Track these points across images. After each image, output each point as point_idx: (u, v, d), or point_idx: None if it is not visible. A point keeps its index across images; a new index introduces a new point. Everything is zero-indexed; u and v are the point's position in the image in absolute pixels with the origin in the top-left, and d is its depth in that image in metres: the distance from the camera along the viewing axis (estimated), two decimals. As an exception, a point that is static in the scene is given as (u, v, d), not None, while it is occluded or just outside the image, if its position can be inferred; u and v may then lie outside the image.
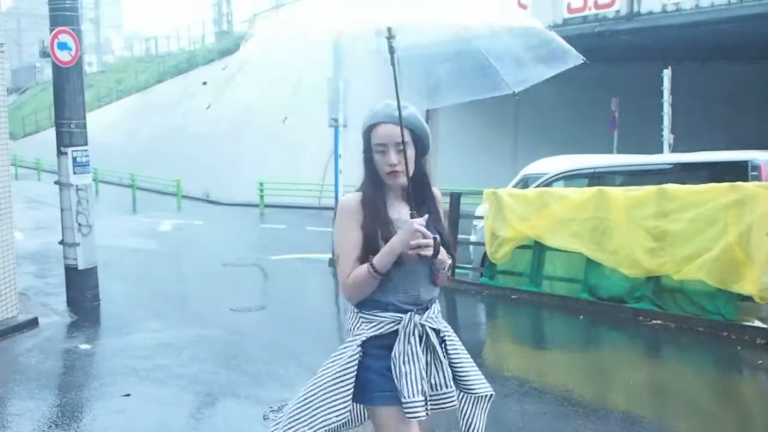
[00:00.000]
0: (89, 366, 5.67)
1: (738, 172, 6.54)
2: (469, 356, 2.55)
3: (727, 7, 12.46)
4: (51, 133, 8.26)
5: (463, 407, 2.53)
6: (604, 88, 16.32)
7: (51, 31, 7.23)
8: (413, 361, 2.35)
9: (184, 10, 76.68)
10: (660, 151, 10.58)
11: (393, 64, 2.46)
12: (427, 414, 2.36)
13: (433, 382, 2.41)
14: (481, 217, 8.46)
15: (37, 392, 4.96)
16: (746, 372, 5.63)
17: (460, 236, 8.75)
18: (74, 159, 7.36)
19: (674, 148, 10.58)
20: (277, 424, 2.47)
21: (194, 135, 24.86)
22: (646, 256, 6.57)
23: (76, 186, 7.39)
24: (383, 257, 2.30)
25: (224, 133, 23.22)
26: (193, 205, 21.23)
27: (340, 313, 7.35)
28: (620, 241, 6.79)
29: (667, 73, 10.81)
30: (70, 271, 7.49)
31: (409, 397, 2.32)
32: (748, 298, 6.07)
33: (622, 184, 7.58)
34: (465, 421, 2.53)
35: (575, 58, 3.05)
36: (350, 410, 2.38)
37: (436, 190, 2.54)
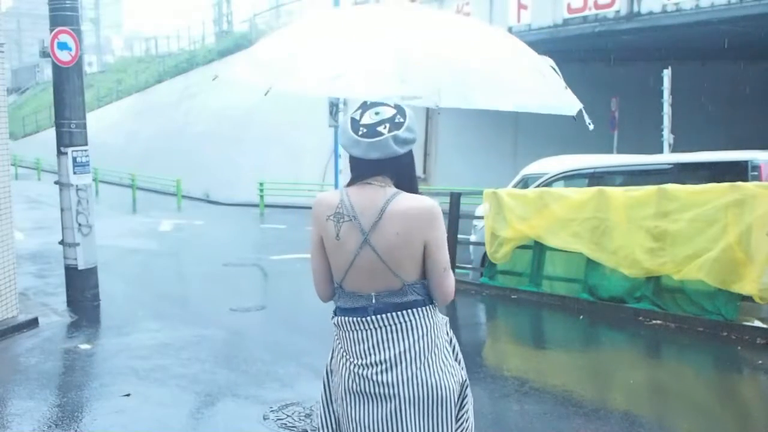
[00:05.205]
0: (89, 366, 5.67)
1: (738, 172, 6.53)
2: None
3: (727, 7, 12.45)
4: (51, 133, 8.26)
5: None
6: (604, 88, 16.31)
7: (51, 31, 7.22)
8: None
9: (184, 10, 76.57)
10: (660, 151, 10.57)
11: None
12: None
13: None
14: (481, 217, 8.45)
15: (37, 392, 4.96)
16: (746, 372, 5.63)
17: (460, 236, 8.75)
18: (74, 159, 7.36)
19: (674, 148, 10.58)
20: None
21: (194, 135, 24.85)
22: (646, 256, 6.57)
23: (76, 186, 7.39)
24: None
25: (224, 133, 23.21)
26: (193, 205, 21.23)
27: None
28: (620, 241, 6.78)
29: (667, 73, 10.81)
30: (70, 271, 7.49)
31: None
32: (748, 298, 6.06)
33: (622, 184, 7.58)
34: None
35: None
36: None
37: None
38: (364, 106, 2.25)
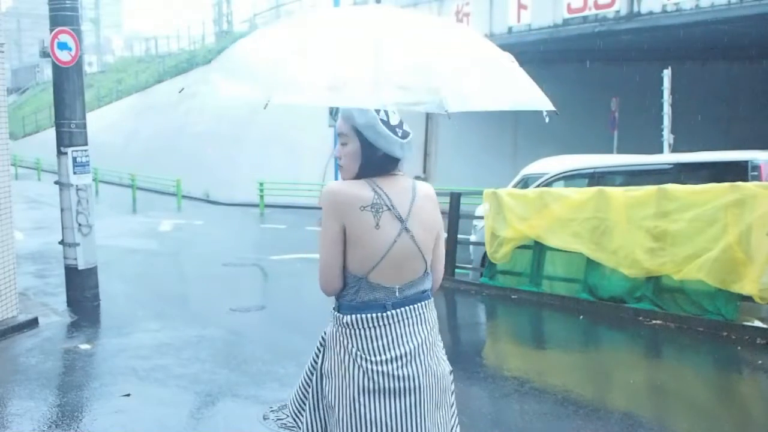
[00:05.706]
0: (89, 366, 5.67)
1: (738, 172, 6.54)
2: None
3: (727, 7, 12.45)
4: (51, 133, 8.26)
5: None
6: (604, 88, 16.31)
7: (51, 31, 7.22)
8: None
9: (184, 10, 76.55)
10: (660, 151, 10.57)
11: None
12: None
13: None
14: (481, 217, 8.45)
15: (37, 392, 4.96)
16: (746, 372, 5.63)
17: (460, 236, 8.75)
18: (74, 159, 7.36)
19: (674, 148, 10.58)
20: None
21: (194, 135, 24.85)
22: (646, 256, 6.57)
23: (76, 186, 7.39)
24: None
25: (224, 133, 23.21)
26: (193, 205, 21.23)
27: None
28: (620, 241, 6.79)
29: (667, 73, 10.81)
30: (70, 271, 7.49)
31: None
32: (748, 298, 6.06)
33: (622, 184, 7.58)
34: None
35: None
36: None
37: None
38: None
